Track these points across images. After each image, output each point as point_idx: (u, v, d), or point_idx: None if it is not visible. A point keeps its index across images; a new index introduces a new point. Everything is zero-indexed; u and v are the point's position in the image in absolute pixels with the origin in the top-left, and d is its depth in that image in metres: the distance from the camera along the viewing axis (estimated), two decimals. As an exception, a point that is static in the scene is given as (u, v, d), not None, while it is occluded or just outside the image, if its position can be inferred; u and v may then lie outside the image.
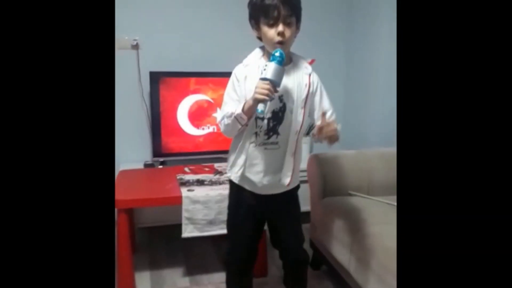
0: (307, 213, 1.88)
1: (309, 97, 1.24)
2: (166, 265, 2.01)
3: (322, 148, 2.57)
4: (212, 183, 1.88)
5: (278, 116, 1.24)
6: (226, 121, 1.22)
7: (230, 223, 1.41)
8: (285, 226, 1.39)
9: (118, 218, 1.70)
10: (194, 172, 2.07)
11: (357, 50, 2.59)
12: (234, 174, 1.31)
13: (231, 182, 1.36)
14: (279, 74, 1.13)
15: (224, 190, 1.78)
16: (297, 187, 1.37)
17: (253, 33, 1.27)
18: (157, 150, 2.32)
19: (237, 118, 1.19)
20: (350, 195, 1.84)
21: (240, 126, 1.21)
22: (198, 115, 2.34)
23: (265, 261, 1.90)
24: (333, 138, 1.17)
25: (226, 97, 1.28)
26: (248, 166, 1.27)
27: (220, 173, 2.03)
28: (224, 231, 1.77)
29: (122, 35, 2.29)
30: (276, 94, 1.18)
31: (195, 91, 2.33)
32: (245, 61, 1.27)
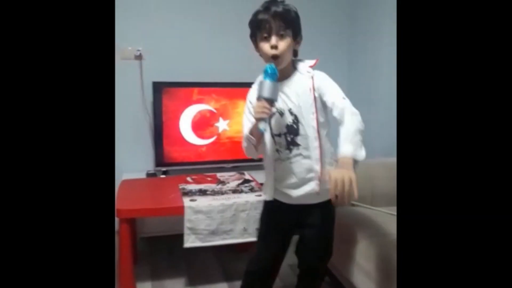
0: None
1: (317, 100, 1.23)
2: (167, 275, 2.00)
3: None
4: (214, 193, 1.88)
5: (293, 128, 1.25)
6: (244, 143, 1.27)
7: (261, 231, 1.41)
8: (312, 238, 1.36)
9: (120, 227, 1.70)
10: (196, 182, 2.06)
11: (358, 61, 2.60)
12: (267, 195, 1.33)
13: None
14: (273, 90, 1.15)
15: (227, 200, 1.78)
16: (329, 200, 1.31)
17: (255, 52, 1.29)
18: (160, 159, 2.32)
19: (249, 139, 1.23)
20: (353, 205, 1.83)
21: (253, 146, 1.24)
22: (201, 124, 2.35)
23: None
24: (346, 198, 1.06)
25: (243, 119, 1.30)
26: (279, 182, 1.30)
27: (223, 183, 2.03)
28: (226, 242, 1.78)
29: (126, 45, 2.31)
30: (286, 108, 1.23)
31: (198, 101, 2.34)
32: (254, 85, 1.29)
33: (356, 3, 2.60)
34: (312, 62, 1.27)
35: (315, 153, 1.24)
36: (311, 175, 1.26)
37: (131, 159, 2.39)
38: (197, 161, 2.37)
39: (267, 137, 1.26)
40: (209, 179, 2.11)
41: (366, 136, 2.59)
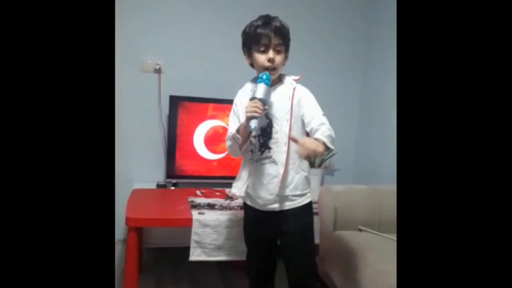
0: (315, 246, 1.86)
1: (293, 109, 1.32)
2: (170, 287, 2.00)
3: (333, 181, 2.57)
4: (222, 208, 1.90)
5: (267, 132, 1.34)
6: (228, 142, 1.36)
7: (245, 239, 1.51)
8: (288, 247, 1.40)
9: (128, 236, 1.72)
10: (205, 195, 2.08)
11: (372, 86, 2.63)
12: (238, 190, 1.40)
13: (245, 204, 1.47)
14: (267, 93, 1.25)
15: (234, 216, 1.79)
16: (302, 207, 1.37)
17: (245, 61, 1.40)
18: (171, 171, 2.35)
19: (234, 139, 1.32)
20: (360, 230, 1.82)
21: (237, 146, 1.33)
22: (214, 140, 2.38)
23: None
24: (313, 155, 1.22)
25: (229, 121, 1.42)
26: (250, 182, 1.38)
27: (231, 198, 2.05)
28: (231, 258, 1.78)
29: (146, 59, 2.38)
30: (263, 112, 1.31)
31: (212, 117, 2.38)
32: (240, 91, 1.42)
33: (371, 20, 2.65)
34: (296, 77, 1.39)
35: (281, 157, 1.32)
36: (275, 179, 1.33)
37: (143, 170, 2.43)
38: (207, 176, 2.40)
39: None
40: (217, 193, 2.13)
41: (377, 162, 2.56)
